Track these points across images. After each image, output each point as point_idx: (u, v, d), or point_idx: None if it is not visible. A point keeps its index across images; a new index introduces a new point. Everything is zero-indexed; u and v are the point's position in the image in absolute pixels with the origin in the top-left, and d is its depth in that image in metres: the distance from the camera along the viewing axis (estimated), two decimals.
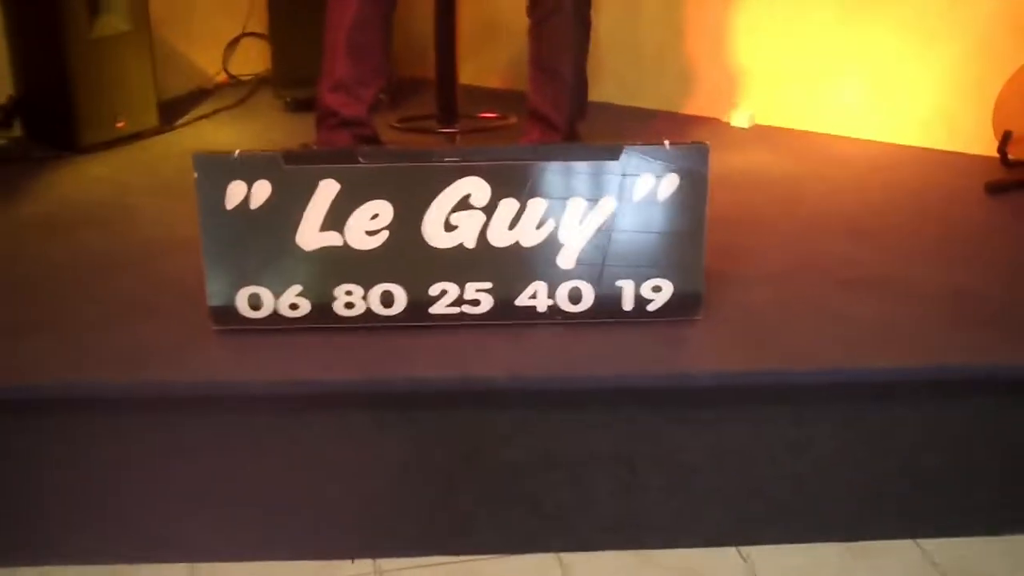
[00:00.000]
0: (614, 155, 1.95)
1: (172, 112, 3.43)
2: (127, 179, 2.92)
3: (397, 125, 2.95)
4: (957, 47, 3.01)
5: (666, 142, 1.95)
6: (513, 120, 3.06)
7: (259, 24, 3.77)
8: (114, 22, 3.14)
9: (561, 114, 2.55)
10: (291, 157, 1.96)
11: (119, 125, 3.18)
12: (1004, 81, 2.82)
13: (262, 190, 1.95)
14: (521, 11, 2.55)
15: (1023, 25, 2.88)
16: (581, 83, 2.55)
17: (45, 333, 2.02)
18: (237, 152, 1.95)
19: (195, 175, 1.94)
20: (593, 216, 1.97)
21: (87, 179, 2.92)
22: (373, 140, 2.44)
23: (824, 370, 1.92)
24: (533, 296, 2.01)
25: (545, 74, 2.54)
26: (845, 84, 3.21)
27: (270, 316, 2.01)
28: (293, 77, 3.48)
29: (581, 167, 1.95)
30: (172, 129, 3.32)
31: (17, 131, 3.23)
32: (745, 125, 3.31)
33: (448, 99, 2.76)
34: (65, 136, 3.12)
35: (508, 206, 1.96)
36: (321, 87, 2.38)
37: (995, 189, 2.75)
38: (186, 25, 3.68)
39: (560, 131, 2.59)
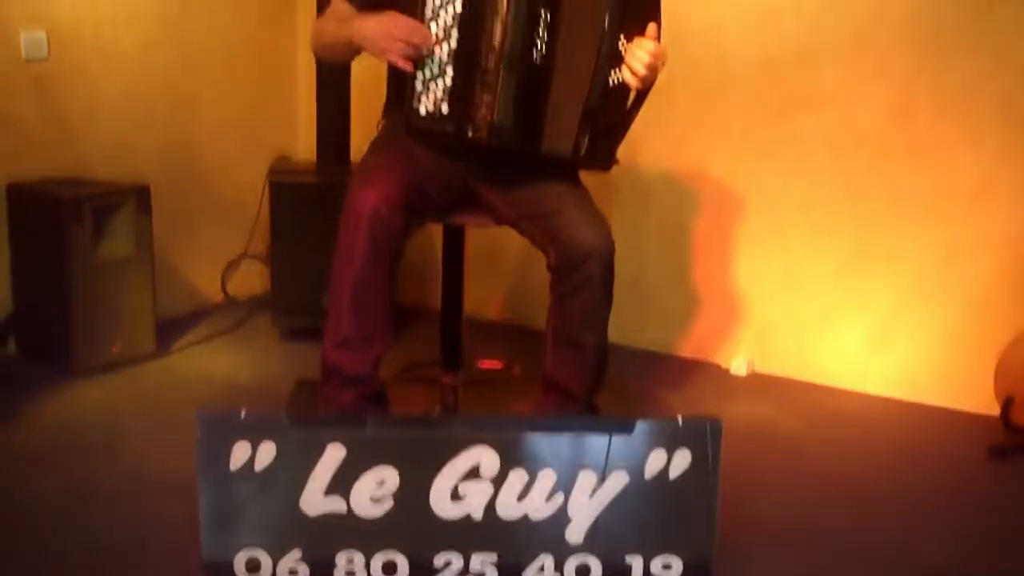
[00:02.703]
0: (627, 429, 1.93)
1: (169, 333, 3.40)
2: (120, 407, 2.88)
3: (400, 374, 2.95)
4: (955, 305, 3.04)
5: (679, 417, 1.94)
6: (517, 370, 3.06)
7: (261, 246, 3.80)
8: (119, 247, 3.15)
9: (582, 385, 2.41)
10: (297, 420, 1.93)
11: (115, 349, 3.15)
12: (1003, 342, 2.84)
13: (267, 452, 1.92)
14: (521, 242, 2.47)
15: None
16: (603, 353, 2.44)
17: None
18: (243, 412, 1.92)
19: (196, 434, 1.91)
20: (604, 490, 1.94)
21: (80, 407, 2.88)
22: (379, 397, 2.38)
23: None
24: (541, 570, 1.96)
25: (568, 348, 2.40)
26: (843, 336, 3.22)
27: None
28: (291, 303, 3.47)
29: (593, 441, 1.93)
30: (168, 354, 3.29)
31: (11, 348, 3.20)
32: (743, 373, 3.30)
33: (452, 345, 2.75)
34: (61, 357, 3.09)
35: (517, 477, 1.93)
36: (326, 343, 2.31)
37: (998, 453, 2.73)
38: (189, 246, 3.70)
39: (579, 403, 2.43)
